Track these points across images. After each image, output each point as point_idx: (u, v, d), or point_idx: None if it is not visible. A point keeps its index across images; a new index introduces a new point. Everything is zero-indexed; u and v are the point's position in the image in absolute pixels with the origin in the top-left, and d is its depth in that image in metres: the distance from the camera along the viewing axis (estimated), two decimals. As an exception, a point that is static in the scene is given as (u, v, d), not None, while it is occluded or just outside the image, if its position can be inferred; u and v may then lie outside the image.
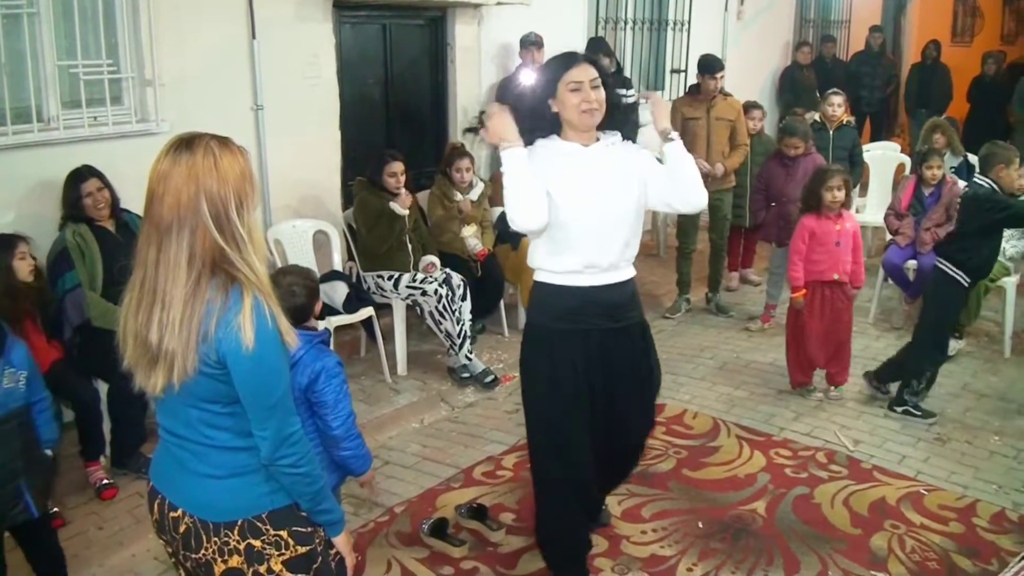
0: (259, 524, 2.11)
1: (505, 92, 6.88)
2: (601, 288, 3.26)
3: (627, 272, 3.34)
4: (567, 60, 3.24)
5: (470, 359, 5.62)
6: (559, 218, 3.16)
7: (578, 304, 3.26)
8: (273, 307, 2.02)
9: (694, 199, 3.29)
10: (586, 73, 3.17)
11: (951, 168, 6.65)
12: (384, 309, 5.75)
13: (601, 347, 3.30)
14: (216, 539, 2.09)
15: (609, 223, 3.21)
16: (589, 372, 3.29)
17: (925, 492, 4.34)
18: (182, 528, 2.13)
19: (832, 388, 5.44)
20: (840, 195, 5.22)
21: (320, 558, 2.21)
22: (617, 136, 3.32)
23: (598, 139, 3.27)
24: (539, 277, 3.35)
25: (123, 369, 2.09)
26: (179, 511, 2.13)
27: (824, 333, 5.32)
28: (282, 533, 2.12)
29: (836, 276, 5.25)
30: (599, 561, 3.77)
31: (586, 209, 3.19)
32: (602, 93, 3.19)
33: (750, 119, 7.16)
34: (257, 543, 2.10)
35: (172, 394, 2.03)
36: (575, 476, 3.40)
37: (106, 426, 4.36)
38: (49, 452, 3.35)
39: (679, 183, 3.25)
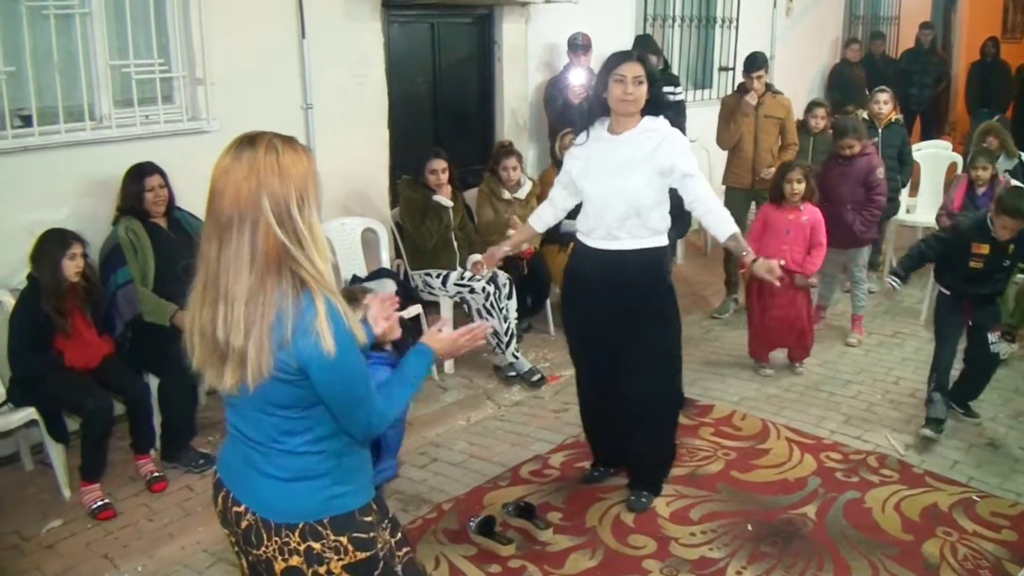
0: (320, 528, 2.11)
1: (553, 91, 6.87)
2: (599, 251, 3.90)
3: (627, 243, 3.85)
4: (619, 57, 3.79)
5: (517, 357, 5.62)
6: (584, 189, 3.90)
7: (588, 258, 3.96)
8: (342, 305, 2.01)
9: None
10: (631, 70, 3.70)
11: (1005, 170, 6.56)
12: (431, 307, 5.76)
13: (608, 297, 3.89)
14: (277, 538, 2.10)
15: (610, 199, 3.80)
16: (598, 313, 3.95)
17: (977, 499, 4.26)
18: (244, 524, 2.14)
19: (796, 364, 5.85)
20: (800, 188, 5.55)
21: (382, 563, 2.20)
22: (661, 122, 3.82)
23: (639, 123, 3.80)
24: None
25: (192, 370, 2.09)
26: (242, 507, 2.15)
27: (780, 316, 5.64)
28: (342, 539, 2.12)
29: (782, 262, 5.46)
30: (648, 563, 3.75)
31: (596, 185, 3.84)
32: (643, 89, 3.71)
33: (812, 117, 7.03)
34: (317, 546, 2.10)
35: (246, 396, 2.02)
36: (585, 387, 4.29)
37: (157, 420, 4.42)
38: None
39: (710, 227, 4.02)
